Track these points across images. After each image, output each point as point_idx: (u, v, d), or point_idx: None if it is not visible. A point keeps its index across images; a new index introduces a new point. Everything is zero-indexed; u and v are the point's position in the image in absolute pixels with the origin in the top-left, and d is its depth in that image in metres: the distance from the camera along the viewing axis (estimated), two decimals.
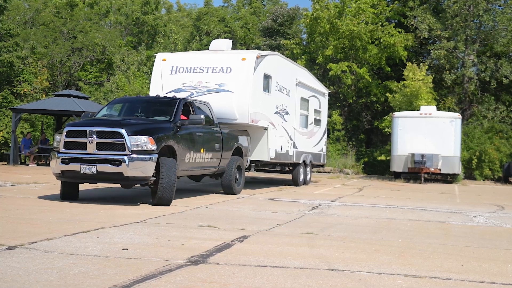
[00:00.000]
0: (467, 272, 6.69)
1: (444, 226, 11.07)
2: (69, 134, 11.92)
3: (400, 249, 8.04)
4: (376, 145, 36.15)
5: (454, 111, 32.07)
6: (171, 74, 16.60)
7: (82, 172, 11.65)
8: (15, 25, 33.00)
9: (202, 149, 13.83)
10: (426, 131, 26.19)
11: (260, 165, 19.24)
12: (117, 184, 13.55)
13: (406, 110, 28.84)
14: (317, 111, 22.83)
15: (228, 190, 15.57)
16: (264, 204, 13.75)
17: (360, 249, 7.87)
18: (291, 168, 20.72)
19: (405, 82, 30.48)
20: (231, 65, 16.21)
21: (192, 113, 13.82)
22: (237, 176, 15.84)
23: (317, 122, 22.96)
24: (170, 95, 15.19)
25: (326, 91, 24.46)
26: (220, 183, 16.10)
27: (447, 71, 33.67)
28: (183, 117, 13.44)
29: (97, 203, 12.13)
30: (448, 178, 27.80)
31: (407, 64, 31.28)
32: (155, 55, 17.58)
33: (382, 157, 31.71)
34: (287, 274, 6.17)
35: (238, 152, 16.01)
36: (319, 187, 20.89)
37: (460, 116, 27.15)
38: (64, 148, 11.90)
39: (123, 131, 11.60)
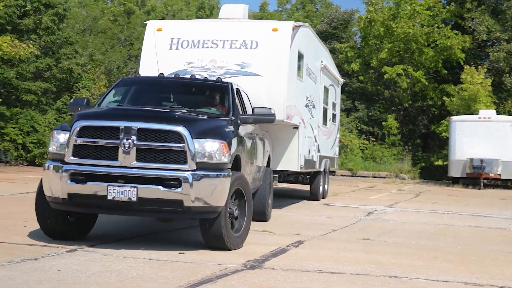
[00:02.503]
0: None
1: (505, 233, 10.79)
2: (84, 132, 7.18)
3: (459, 256, 7.87)
4: (433, 150, 35.53)
5: None
6: (170, 50, 11.92)
7: (110, 198, 7.00)
8: (74, 33, 33.89)
9: (254, 159, 9.69)
10: (485, 135, 25.57)
11: (282, 176, 13.79)
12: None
13: (464, 114, 28.23)
14: (334, 104, 18.31)
15: (261, 216, 10.64)
16: (319, 209, 13.68)
17: (418, 256, 7.74)
18: (308, 177, 15.49)
19: (462, 85, 29.82)
20: (257, 38, 11.65)
21: (237, 104, 9.27)
22: (268, 196, 10.88)
23: (334, 118, 18.37)
24: None
25: (341, 79, 20.21)
26: None
27: (507, 74, 32.83)
28: None
29: None
30: (508, 184, 27.06)
31: (465, 67, 30.62)
32: (146, 23, 12.81)
33: (439, 162, 31.14)
34: (343, 280, 6.12)
35: (268, 162, 11.40)
36: (374, 192, 20.65)
37: None
38: (74, 155, 7.16)
39: (184, 130, 7.12)
